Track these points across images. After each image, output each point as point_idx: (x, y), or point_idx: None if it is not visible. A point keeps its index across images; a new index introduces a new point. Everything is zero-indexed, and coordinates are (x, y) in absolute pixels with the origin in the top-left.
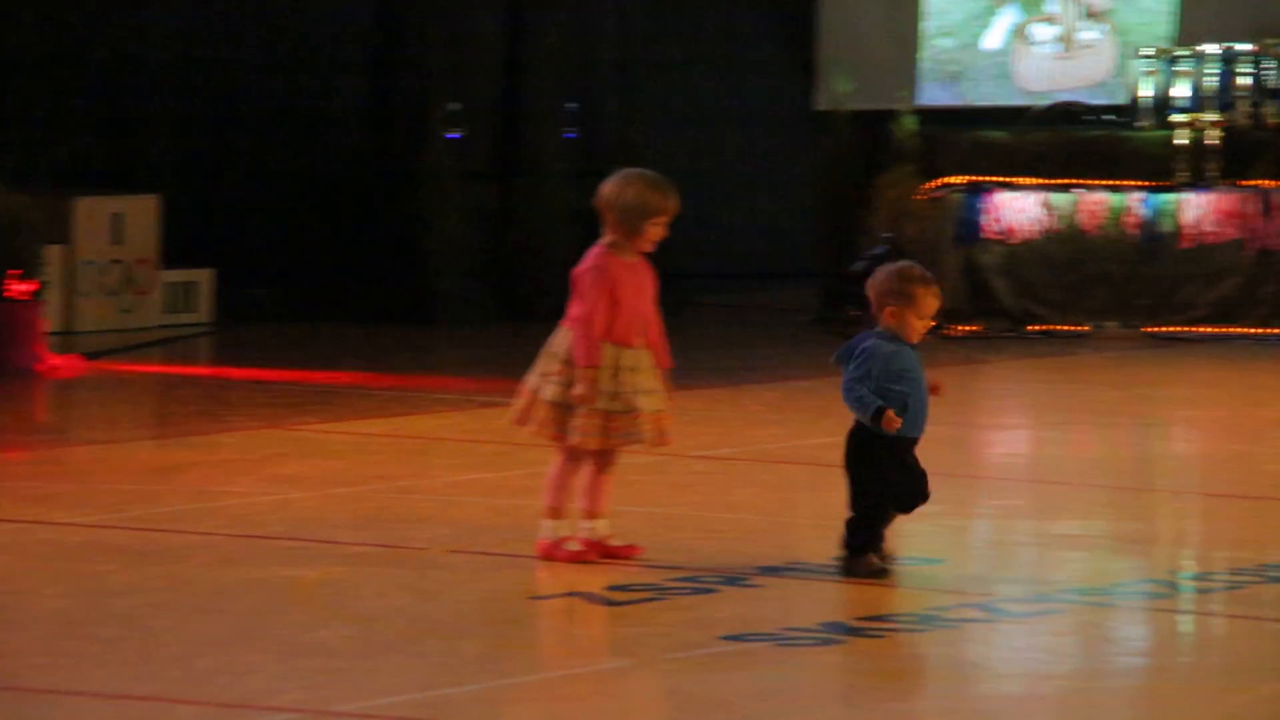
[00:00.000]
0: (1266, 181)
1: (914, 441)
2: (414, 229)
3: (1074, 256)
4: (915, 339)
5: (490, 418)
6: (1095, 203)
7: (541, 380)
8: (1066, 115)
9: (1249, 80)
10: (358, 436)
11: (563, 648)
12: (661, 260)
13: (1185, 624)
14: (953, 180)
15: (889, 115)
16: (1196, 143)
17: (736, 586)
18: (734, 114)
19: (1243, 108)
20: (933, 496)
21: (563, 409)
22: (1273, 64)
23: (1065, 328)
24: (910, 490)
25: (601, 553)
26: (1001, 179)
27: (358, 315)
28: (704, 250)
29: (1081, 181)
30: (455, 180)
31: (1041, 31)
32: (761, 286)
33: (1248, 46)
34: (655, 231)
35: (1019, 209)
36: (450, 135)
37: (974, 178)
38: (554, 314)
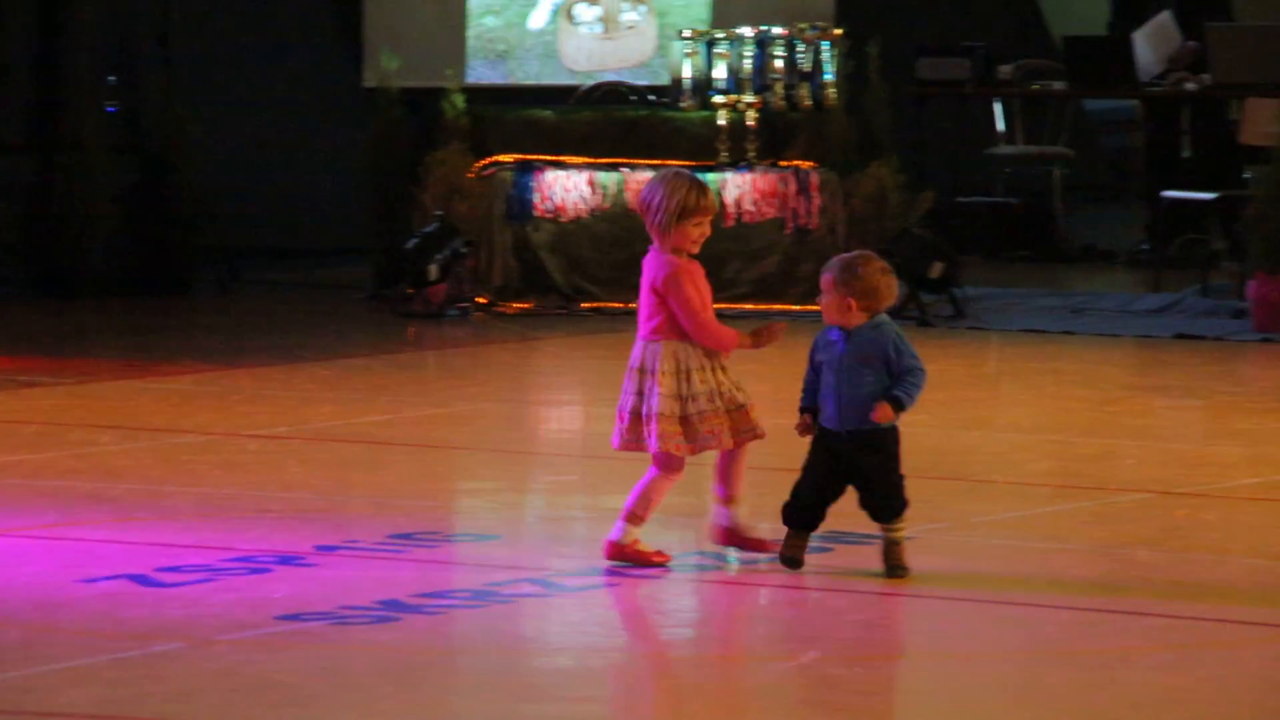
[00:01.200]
0: (803, 162)
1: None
2: None
3: (622, 235)
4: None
5: (32, 397)
6: (641, 181)
7: (625, 397)
8: (612, 95)
9: (783, 63)
10: None
11: (112, 630)
12: (210, 238)
13: (733, 595)
14: (502, 158)
15: (438, 93)
16: (736, 123)
17: (292, 566)
18: (283, 90)
19: (778, 90)
20: (492, 471)
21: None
22: (805, 48)
23: (616, 305)
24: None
25: (736, 541)
26: (550, 157)
27: None
28: (254, 227)
29: (628, 161)
30: None
31: (585, 12)
32: (314, 264)
33: (781, 30)
34: (696, 231)
35: (568, 187)
36: None
37: (523, 156)
38: (97, 290)
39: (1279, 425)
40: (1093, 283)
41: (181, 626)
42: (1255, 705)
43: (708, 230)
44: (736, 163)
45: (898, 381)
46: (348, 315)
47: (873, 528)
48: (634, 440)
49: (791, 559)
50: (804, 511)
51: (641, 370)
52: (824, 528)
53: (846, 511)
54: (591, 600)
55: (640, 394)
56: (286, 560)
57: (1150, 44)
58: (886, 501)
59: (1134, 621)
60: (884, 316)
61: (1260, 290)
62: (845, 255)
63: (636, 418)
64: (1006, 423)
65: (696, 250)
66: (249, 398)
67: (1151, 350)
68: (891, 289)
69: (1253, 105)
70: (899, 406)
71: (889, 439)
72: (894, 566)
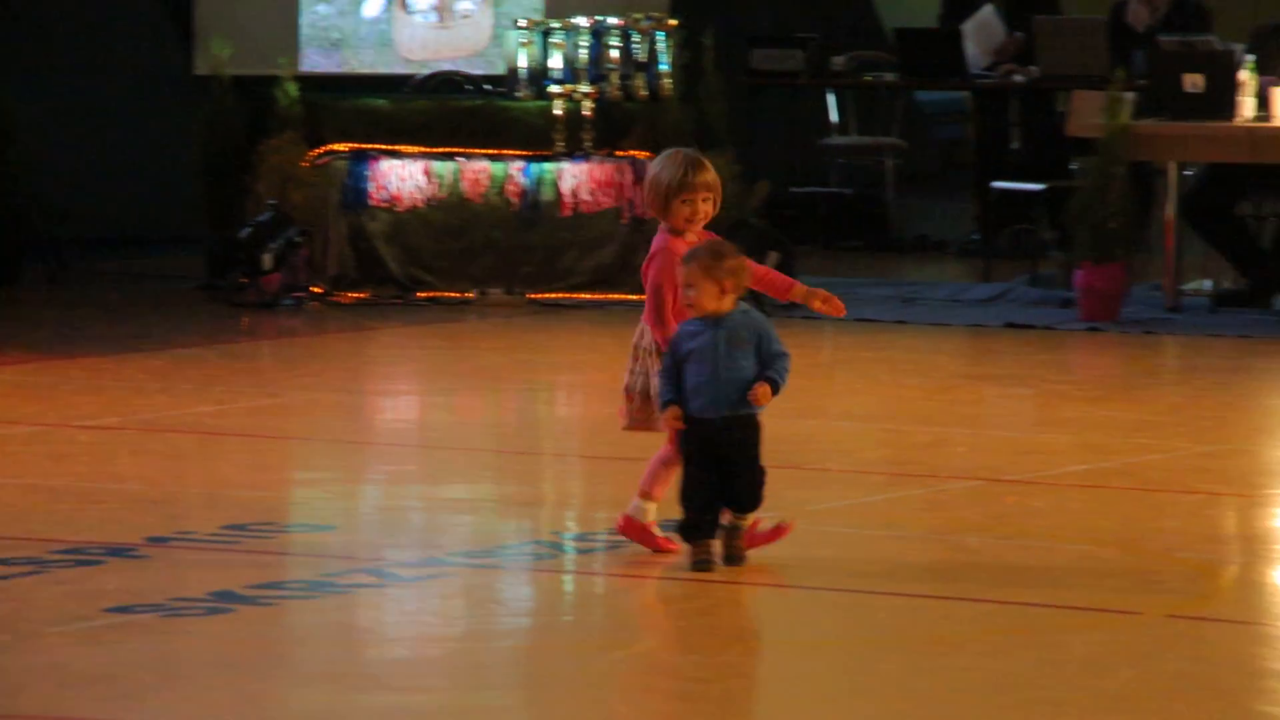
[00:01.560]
0: (639, 152)
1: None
2: None
3: (459, 224)
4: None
5: None
6: (477, 171)
7: (632, 378)
8: (447, 84)
9: (619, 54)
10: None
11: None
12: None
13: (568, 584)
14: (337, 147)
15: (270, 81)
16: (572, 113)
17: (122, 558)
18: (113, 76)
19: (614, 80)
20: (329, 462)
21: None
22: (640, 38)
23: (452, 294)
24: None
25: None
26: (385, 146)
27: None
28: (83, 216)
29: (464, 150)
30: None
31: (419, 1)
32: (144, 253)
33: (616, 20)
34: (687, 209)
35: (403, 176)
36: None
37: (358, 145)
38: None
39: (1106, 413)
40: (925, 272)
41: (9, 619)
42: (1082, 688)
43: (703, 208)
44: (573, 152)
45: (769, 365)
46: (180, 305)
47: None
48: (643, 420)
49: (702, 563)
50: (703, 520)
51: (645, 350)
52: (662, 515)
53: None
54: (427, 590)
55: (646, 373)
56: (117, 552)
57: (975, 37)
58: (752, 490)
59: (965, 608)
60: (745, 304)
61: (1086, 280)
62: (704, 244)
63: (646, 397)
64: (840, 411)
65: (693, 228)
66: (79, 388)
67: (982, 339)
68: (749, 271)
69: (1078, 97)
70: (775, 388)
71: (759, 426)
72: (735, 555)
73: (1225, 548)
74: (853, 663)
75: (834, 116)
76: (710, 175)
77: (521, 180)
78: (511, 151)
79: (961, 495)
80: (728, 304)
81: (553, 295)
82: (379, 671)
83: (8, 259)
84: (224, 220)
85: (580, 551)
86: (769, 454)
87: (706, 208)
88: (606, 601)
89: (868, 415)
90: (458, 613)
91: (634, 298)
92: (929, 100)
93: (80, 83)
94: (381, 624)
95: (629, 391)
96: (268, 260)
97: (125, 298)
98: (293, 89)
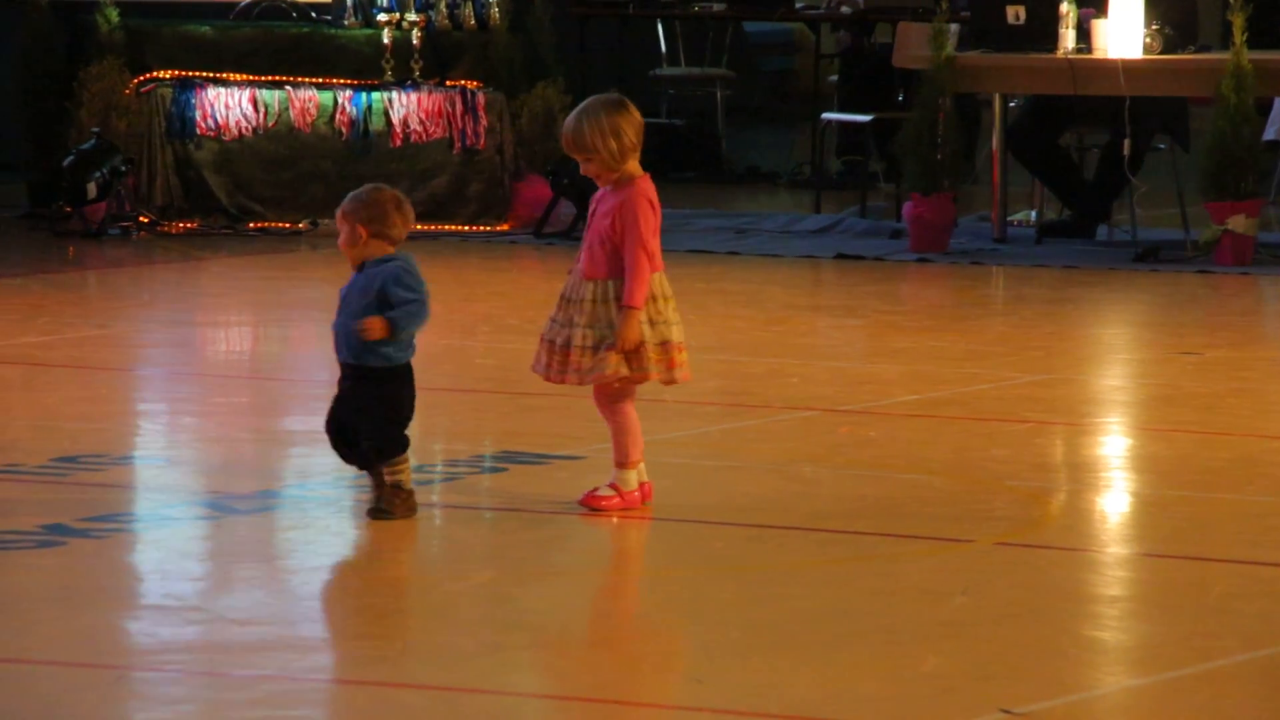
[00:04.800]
0: (469, 81)
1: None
2: None
3: (288, 154)
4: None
5: None
6: (306, 99)
7: (553, 328)
8: (273, 11)
9: None
10: None
11: None
12: None
13: (411, 519)
14: (161, 74)
15: (90, 7)
16: (401, 42)
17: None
18: None
19: (442, 8)
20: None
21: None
22: None
23: (282, 225)
24: None
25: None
26: (210, 74)
27: None
28: None
29: (291, 79)
30: None
31: None
32: None
33: None
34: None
35: (229, 105)
36: None
37: (183, 73)
38: None
39: (935, 343)
40: (756, 203)
41: None
42: (913, 615)
43: (589, 168)
44: (402, 81)
45: (394, 310)
46: (2, 234)
47: (546, 447)
48: (556, 373)
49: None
50: (341, 454)
51: (575, 301)
52: (498, 447)
53: (520, 432)
54: (261, 523)
55: (570, 325)
56: None
57: None
58: (370, 442)
59: (800, 537)
60: (399, 253)
61: (915, 211)
62: (361, 189)
63: (563, 350)
64: None
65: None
66: None
67: (814, 270)
68: (405, 219)
69: (903, 29)
70: (393, 328)
71: (385, 377)
72: (379, 509)
73: (1053, 476)
74: (688, 591)
75: (663, 47)
76: (566, 135)
77: (351, 110)
78: (340, 81)
79: (796, 425)
80: (369, 250)
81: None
82: (210, 604)
83: None
84: (46, 148)
85: (419, 484)
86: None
87: (589, 168)
88: (445, 533)
89: (702, 346)
90: (292, 546)
91: (466, 228)
92: (757, 31)
93: None
94: (214, 556)
95: (546, 340)
96: (92, 189)
97: None
98: (113, 14)
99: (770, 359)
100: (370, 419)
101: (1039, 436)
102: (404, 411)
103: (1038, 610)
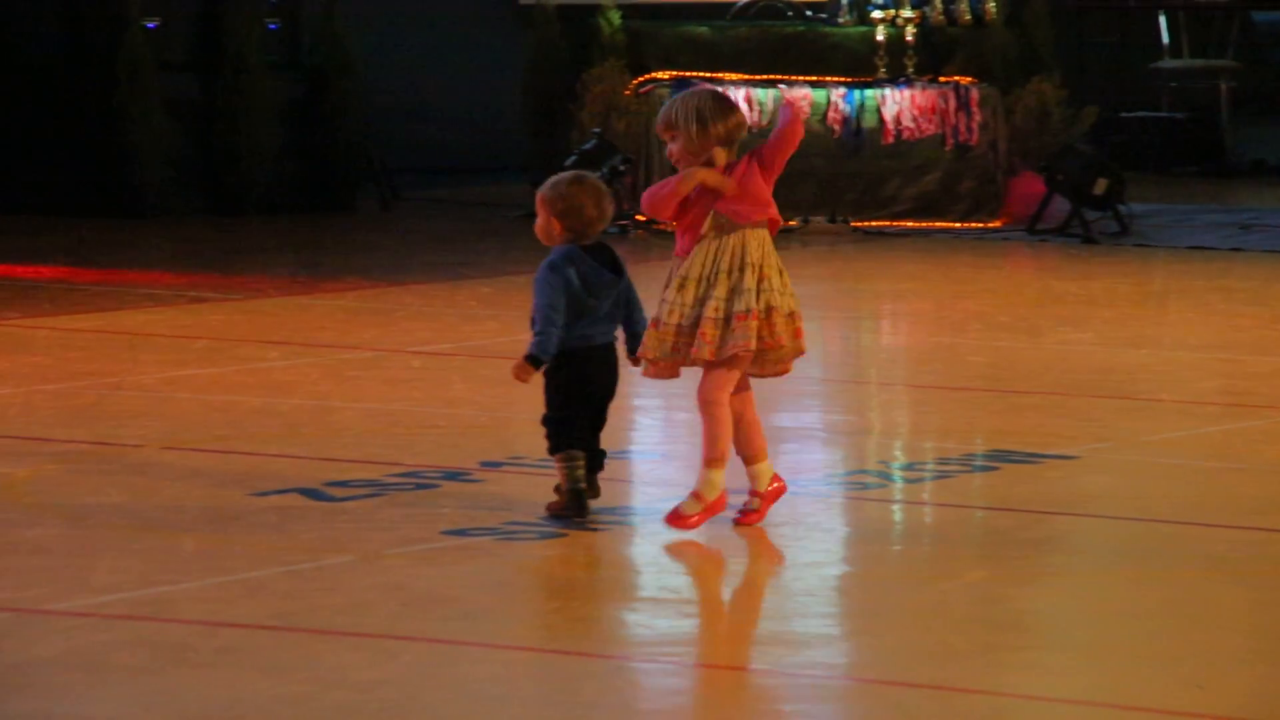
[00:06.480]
0: (962, 78)
1: None
2: (115, 120)
3: None
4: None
5: (201, 313)
6: (799, 98)
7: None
8: (768, 11)
9: None
10: (62, 332)
11: (283, 543)
12: (371, 155)
13: (896, 513)
14: (659, 75)
15: (594, 10)
16: (894, 39)
17: (458, 481)
18: (440, 7)
19: (937, 4)
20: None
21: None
22: None
23: None
24: None
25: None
26: (706, 74)
27: (60, 208)
28: (411, 145)
29: (785, 77)
30: (154, 71)
31: None
32: (472, 181)
33: None
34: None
35: None
36: (148, 24)
37: (680, 73)
38: (261, 209)
39: None
40: (1262, 198)
41: (352, 540)
42: None
43: (671, 150)
44: (895, 79)
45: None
46: (507, 232)
47: (1038, 446)
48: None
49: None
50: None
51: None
52: (989, 446)
53: (1011, 430)
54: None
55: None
56: (453, 476)
57: None
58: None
59: None
60: (561, 248)
61: None
62: (562, 174)
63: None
64: (1174, 340)
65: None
66: (413, 314)
67: None
68: (602, 213)
69: None
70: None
71: (556, 363)
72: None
73: None
74: (1187, 594)
75: (1165, 39)
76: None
77: (843, 107)
78: (833, 78)
79: None
80: (556, 242)
81: (876, 223)
82: (704, 598)
83: (344, 188)
84: (548, 149)
85: (908, 481)
86: (1100, 385)
87: (671, 149)
88: (935, 532)
89: (1202, 345)
90: (783, 542)
91: (958, 225)
92: (1267, 20)
93: (410, 12)
94: (708, 553)
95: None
96: None
97: (454, 226)
98: (616, 17)
99: (1274, 358)
100: (546, 404)
101: None
102: (563, 403)
103: None
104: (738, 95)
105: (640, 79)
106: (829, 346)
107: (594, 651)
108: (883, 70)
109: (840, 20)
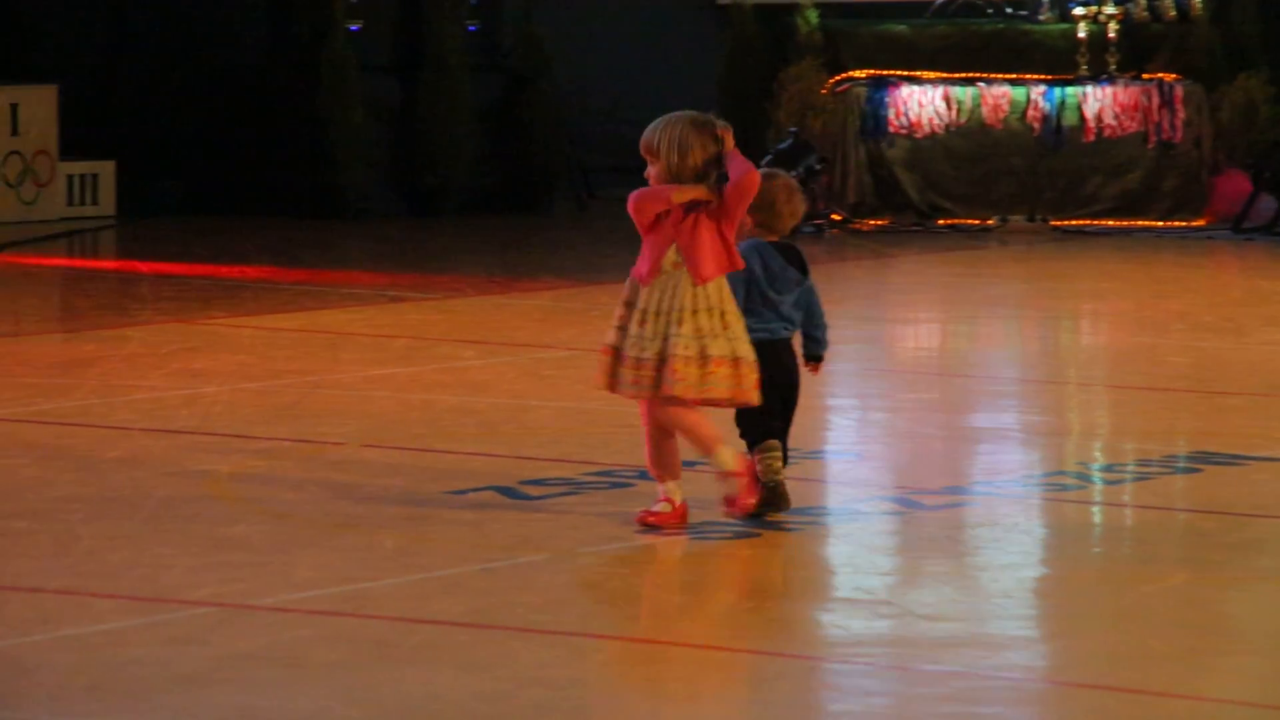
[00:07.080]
0: (1166, 74)
1: None
2: (318, 121)
3: (978, 150)
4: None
5: (400, 312)
6: (998, 96)
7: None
8: (968, 8)
9: None
10: (266, 331)
11: (480, 541)
12: (568, 154)
13: (1096, 515)
14: (856, 74)
15: (792, 9)
16: (1096, 36)
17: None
18: (637, 7)
19: (1141, 1)
20: (851, 389)
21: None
22: None
23: (971, 221)
24: None
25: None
26: (904, 73)
27: (263, 209)
28: (608, 145)
29: (984, 75)
30: (357, 73)
31: None
32: None
33: None
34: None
35: (923, 103)
36: (351, 27)
37: (877, 71)
38: (459, 209)
39: None
40: None
41: (547, 538)
42: None
43: (648, 173)
44: (1097, 76)
45: None
46: None
47: (1242, 448)
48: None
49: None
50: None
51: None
52: (1192, 447)
53: (1214, 432)
54: (950, 519)
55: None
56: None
57: None
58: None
59: None
60: (745, 241)
61: None
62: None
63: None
64: None
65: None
66: (608, 313)
67: None
68: (794, 211)
69: None
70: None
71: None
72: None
73: None
74: None
75: None
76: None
77: (1043, 105)
78: (1033, 76)
79: None
80: (742, 235)
81: (1076, 222)
82: (899, 599)
83: (541, 188)
84: (746, 148)
85: (1107, 483)
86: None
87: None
88: (1136, 534)
89: None
90: (981, 543)
91: (1160, 224)
92: None
93: (607, 12)
94: (903, 551)
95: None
96: None
97: None
98: (813, 16)
99: None
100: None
101: None
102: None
103: None
104: (935, 94)
105: (837, 78)
106: (1027, 346)
107: (787, 651)
108: (1084, 67)
109: (1041, 17)
